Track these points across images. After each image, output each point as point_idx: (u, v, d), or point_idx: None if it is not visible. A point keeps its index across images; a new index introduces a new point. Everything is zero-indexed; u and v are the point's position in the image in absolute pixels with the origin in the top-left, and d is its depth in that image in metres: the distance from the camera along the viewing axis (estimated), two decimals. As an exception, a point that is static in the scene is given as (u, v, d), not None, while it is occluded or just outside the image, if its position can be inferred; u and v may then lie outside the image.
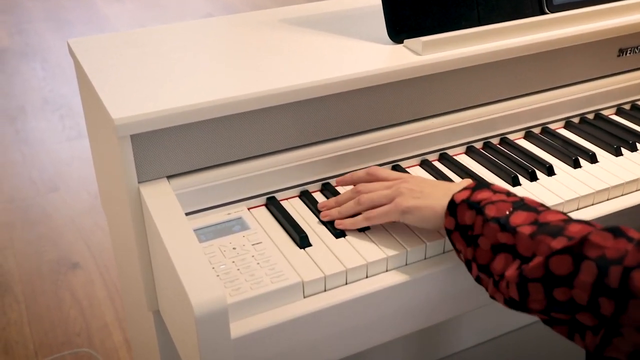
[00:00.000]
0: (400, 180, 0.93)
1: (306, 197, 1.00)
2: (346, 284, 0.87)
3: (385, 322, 0.89)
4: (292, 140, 0.99)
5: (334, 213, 0.94)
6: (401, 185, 0.90)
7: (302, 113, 0.98)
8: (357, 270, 0.86)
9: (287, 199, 1.01)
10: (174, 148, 0.92)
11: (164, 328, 1.02)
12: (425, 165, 1.08)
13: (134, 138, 0.88)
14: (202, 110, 0.90)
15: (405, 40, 1.07)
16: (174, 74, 1.00)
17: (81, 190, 2.71)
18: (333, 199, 0.97)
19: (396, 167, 1.07)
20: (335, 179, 1.02)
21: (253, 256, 0.87)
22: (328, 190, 1.02)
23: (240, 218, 0.95)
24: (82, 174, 2.83)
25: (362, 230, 0.92)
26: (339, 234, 0.92)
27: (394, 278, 0.87)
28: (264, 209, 0.99)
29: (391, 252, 0.88)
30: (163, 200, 0.89)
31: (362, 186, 0.95)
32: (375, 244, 0.90)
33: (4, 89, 3.64)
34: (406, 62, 1.01)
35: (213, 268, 0.85)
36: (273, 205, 0.98)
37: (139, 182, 0.91)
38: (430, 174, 1.06)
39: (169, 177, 0.93)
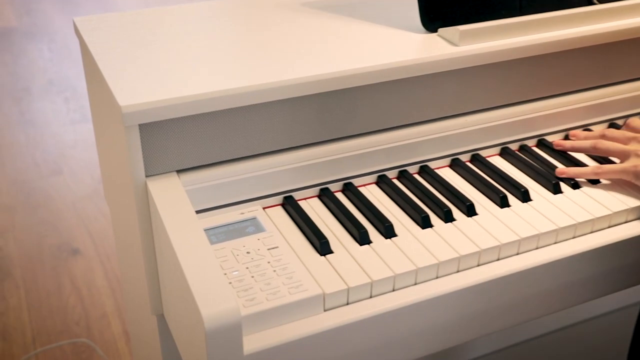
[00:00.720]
0: None
1: (327, 196, 0.92)
2: (370, 297, 0.79)
3: (412, 340, 0.81)
4: (313, 135, 0.91)
5: (566, 144, 0.98)
6: None
7: (325, 106, 0.89)
8: (383, 283, 0.78)
9: (305, 198, 0.93)
10: (185, 140, 0.83)
11: (167, 331, 0.94)
12: (457, 165, 1.00)
13: (143, 128, 0.80)
14: (218, 99, 0.82)
15: (439, 29, 0.99)
16: (187, 59, 0.92)
17: (85, 175, 2.64)
18: (577, 131, 1.01)
19: (424, 168, 0.98)
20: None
21: (269, 262, 0.79)
22: (350, 190, 0.93)
23: (254, 218, 0.87)
24: (86, 157, 2.76)
25: (389, 236, 0.84)
26: (364, 239, 0.84)
27: (424, 292, 0.79)
28: (280, 209, 0.91)
29: (421, 263, 0.80)
30: (172, 197, 0.81)
31: (609, 132, 0.95)
32: (404, 253, 0.82)
33: (10, 69, 3.57)
34: (441, 53, 0.93)
35: (225, 274, 0.77)
36: (290, 205, 0.90)
37: (146, 176, 0.83)
38: (462, 176, 0.98)
39: (179, 171, 0.85)
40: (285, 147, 0.90)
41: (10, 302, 2.08)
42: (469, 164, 1.01)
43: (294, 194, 0.92)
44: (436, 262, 0.81)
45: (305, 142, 0.91)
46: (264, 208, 0.90)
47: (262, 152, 0.89)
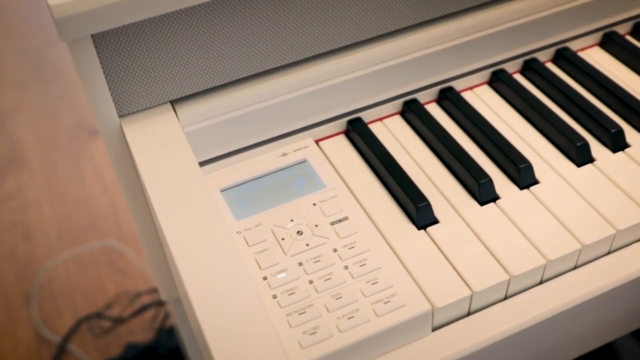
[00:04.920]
0: None
1: (414, 112, 0.58)
2: (505, 298, 0.47)
3: (568, 346, 0.50)
4: (395, 19, 0.55)
5: None
6: None
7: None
8: (525, 276, 0.47)
9: (380, 119, 0.59)
10: (176, 51, 0.49)
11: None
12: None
13: (100, 40, 0.46)
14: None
15: None
16: None
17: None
18: None
19: (563, 52, 0.63)
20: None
21: (336, 251, 0.48)
22: (449, 99, 0.59)
23: (304, 162, 0.55)
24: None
25: (525, 185, 0.51)
26: (486, 192, 0.51)
27: (598, 282, 0.47)
28: (342, 139, 0.58)
29: (589, 238, 0.48)
30: (160, 143, 0.48)
31: None
32: (555, 216, 0.49)
33: None
34: None
35: (265, 280, 0.46)
36: (358, 131, 0.56)
37: (120, 116, 0.50)
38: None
39: (175, 102, 0.52)
40: (341, 46, 0.55)
41: (29, 195, 1.83)
42: None
43: (362, 114, 0.58)
44: (612, 231, 0.48)
45: (380, 32, 0.56)
46: (317, 141, 0.57)
47: (304, 57, 0.54)
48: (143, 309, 1.39)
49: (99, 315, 1.40)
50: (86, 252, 1.68)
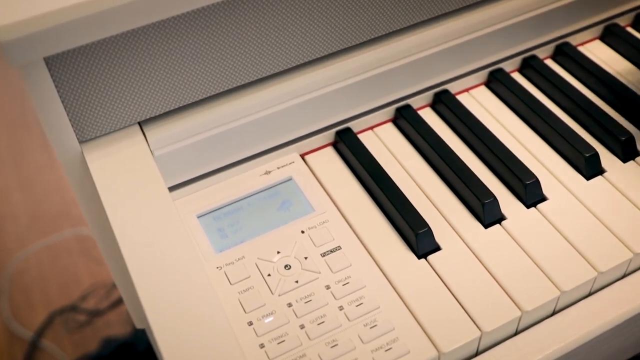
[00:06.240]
0: None
1: (406, 118, 0.53)
2: (516, 333, 0.43)
3: None
4: (373, 27, 0.50)
5: None
6: None
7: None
8: (540, 309, 0.43)
9: (371, 127, 0.54)
10: (142, 69, 0.43)
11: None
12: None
13: (54, 62, 0.40)
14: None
15: None
16: None
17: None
18: None
19: (563, 48, 0.58)
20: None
21: (328, 288, 0.43)
22: (444, 103, 0.54)
23: (290, 180, 0.50)
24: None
25: (531, 203, 0.47)
26: (491, 213, 0.46)
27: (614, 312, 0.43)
28: (330, 151, 0.53)
29: (604, 265, 0.44)
30: (126, 173, 0.43)
31: None
32: (564, 236, 0.45)
33: None
34: None
35: (251, 326, 0.41)
36: (347, 143, 0.51)
37: (81, 142, 0.44)
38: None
39: (144, 123, 0.46)
40: (327, 54, 0.50)
41: (-3, 180, 1.75)
42: None
43: (351, 124, 0.53)
44: (629, 255, 0.44)
45: (369, 37, 0.50)
46: (303, 155, 0.52)
47: (286, 67, 0.49)
48: (120, 300, 1.34)
49: (73, 308, 1.35)
50: (59, 241, 1.62)
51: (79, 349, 1.33)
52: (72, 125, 0.42)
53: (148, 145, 0.45)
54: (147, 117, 0.45)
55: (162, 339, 0.37)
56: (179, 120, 0.46)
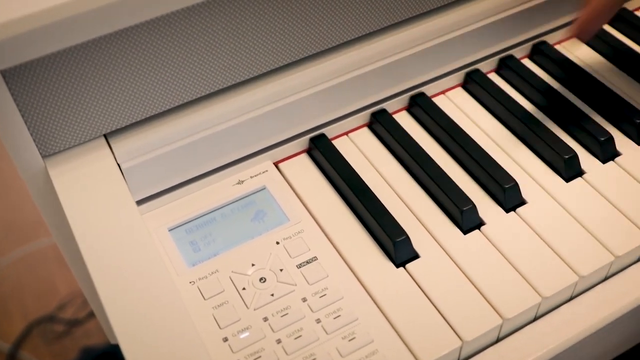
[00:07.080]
0: None
1: (382, 123, 0.52)
2: (497, 340, 0.42)
3: None
4: (348, 29, 0.49)
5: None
6: None
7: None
8: (521, 316, 0.42)
9: (345, 133, 0.53)
10: (107, 79, 0.42)
11: None
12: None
13: (11, 75, 0.38)
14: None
15: None
16: None
17: None
18: None
19: (540, 47, 0.57)
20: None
21: (305, 300, 0.42)
22: (419, 106, 0.53)
23: (263, 189, 0.48)
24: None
25: (510, 207, 0.46)
26: (469, 218, 0.45)
27: (596, 316, 0.42)
28: (304, 158, 0.51)
29: (586, 269, 0.43)
30: (91, 188, 0.42)
31: None
32: (544, 240, 0.44)
33: None
34: None
35: (226, 342, 0.40)
36: (322, 150, 0.50)
37: (44, 157, 0.42)
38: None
39: (110, 135, 0.45)
40: (298, 59, 0.48)
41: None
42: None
43: (325, 130, 0.52)
44: (610, 258, 0.43)
45: (341, 41, 0.49)
46: (276, 163, 0.51)
47: (257, 74, 0.47)
48: (98, 310, 1.31)
49: (51, 318, 1.32)
50: (35, 249, 1.58)
51: (58, 360, 1.31)
52: (34, 140, 0.41)
53: (115, 158, 0.43)
54: (113, 129, 0.43)
55: (132, 358, 0.35)
56: (146, 131, 0.45)
